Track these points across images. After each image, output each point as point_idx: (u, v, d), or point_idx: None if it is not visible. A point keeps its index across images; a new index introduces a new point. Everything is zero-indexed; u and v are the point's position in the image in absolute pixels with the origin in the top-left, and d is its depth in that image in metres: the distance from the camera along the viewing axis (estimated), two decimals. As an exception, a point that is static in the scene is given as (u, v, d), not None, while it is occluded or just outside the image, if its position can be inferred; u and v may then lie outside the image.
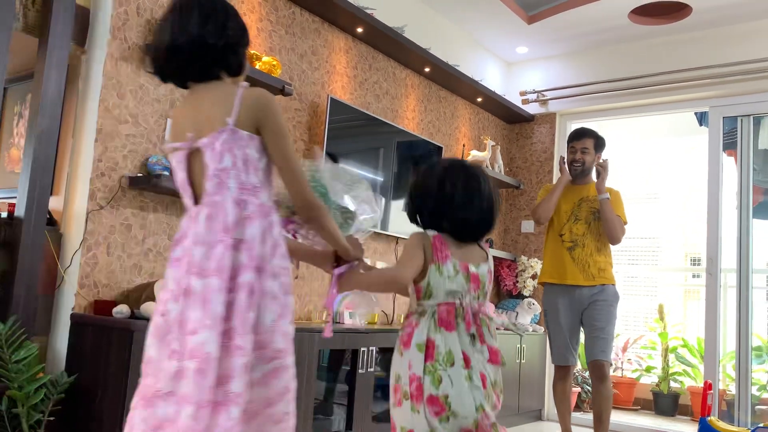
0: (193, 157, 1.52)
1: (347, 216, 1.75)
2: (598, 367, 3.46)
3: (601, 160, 3.65)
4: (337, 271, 1.72)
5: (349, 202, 1.75)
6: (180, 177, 1.54)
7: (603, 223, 3.49)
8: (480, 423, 1.61)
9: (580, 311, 3.54)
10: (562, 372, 3.58)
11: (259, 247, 1.47)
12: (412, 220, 1.81)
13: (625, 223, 3.59)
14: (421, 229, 1.80)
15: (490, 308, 1.75)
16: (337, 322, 3.76)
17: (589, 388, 5.47)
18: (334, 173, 1.76)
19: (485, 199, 1.74)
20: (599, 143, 3.68)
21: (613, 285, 3.59)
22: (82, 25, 2.84)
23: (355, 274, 1.73)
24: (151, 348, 1.49)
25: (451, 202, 1.71)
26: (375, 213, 1.81)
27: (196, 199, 1.52)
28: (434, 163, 1.81)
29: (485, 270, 1.76)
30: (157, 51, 1.55)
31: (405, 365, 1.67)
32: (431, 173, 1.77)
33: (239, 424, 1.38)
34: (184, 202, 1.56)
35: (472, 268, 1.73)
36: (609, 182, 3.60)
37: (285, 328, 1.51)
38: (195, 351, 1.38)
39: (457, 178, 1.72)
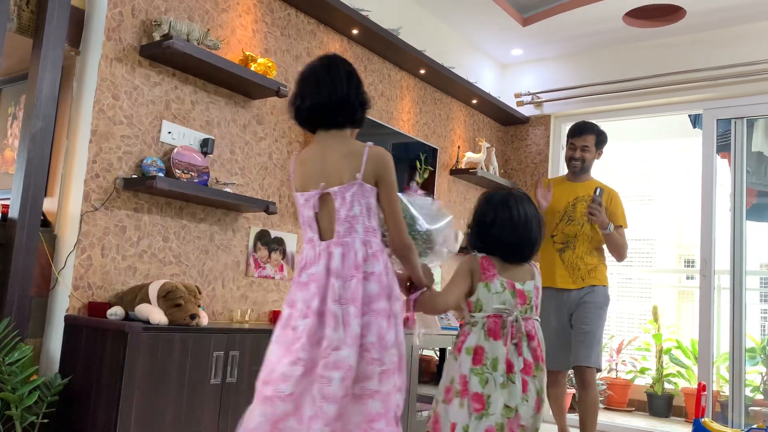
0: (324, 200, 1.80)
1: (428, 246, 2.01)
2: (580, 373, 3.34)
3: (595, 194, 3.31)
4: (411, 296, 1.99)
5: (432, 234, 2.01)
6: (308, 215, 1.83)
7: (609, 250, 3.42)
8: (508, 425, 1.82)
9: (569, 314, 3.44)
10: (553, 377, 3.43)
11: (385, 278, 1.78)
12: (471, 248, 2.03)
13: (626, 227, 3.48)
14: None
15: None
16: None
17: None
18: (422, 205, 2.05)
19: (530, 227, 1.97)
20: (601, 139, 3.54)
21: (605, 286, 3.47)
22: (77, 26, 2.83)
23: (422, 299, 1.98)
24: (273, 354, 1.80)
25: (498, 231, 1.96)
26: (452, 247, 2.07)
27: (321, 235, 1.82)
28: (485, 198, 2.06)
29: (531, 286, 1.98)
30: (303, 101, 1.84)
31: (457, 368, 1.91)
32: (480, 209, 2.03)
33: (385, 410, 1.73)
34: (306, 234, 1.87)
35: (518, 285, 1.95)
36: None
37: (401, 344, 1.82)
38: (339, 363, 1.69)
39: (503, 211, 1.97)
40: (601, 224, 3.33)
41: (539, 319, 2.01)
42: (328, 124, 1.85)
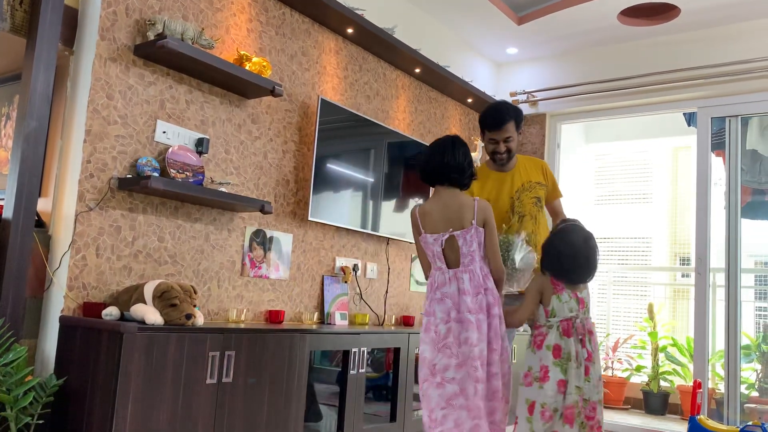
0: (449, 240, 2.47)
1: (513, 270, 2.72)
2: None
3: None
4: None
5: (519, 263, 2.73)
6: (437, 250, 2.48)
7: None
8: (580, 400, 2.44)
9: None
10: None
11: (495, 290, 2.47)
12: (543, 271, 2.60)
13: (562, 196, 3.23)
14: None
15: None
16: (328, 323, 3.75)
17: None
18: (516, 243, 2.76)
19: (590, 260, 2.53)
20: (519, 120, 3.01)
21: None
22: (70, 26, 2.83)
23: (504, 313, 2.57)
24: (426, 352, 2.45)
25: (567, 266, 2.52)
26: (529, 272, 2.76)
27: (448, 264, 2.48)
28: (558, 234, 2.59)
29: (587, 293, 2.57)
30: (431, 165, 2.52)
31: (537, 360, 2.48)
32: (552, 244, 2.57)
33: (501, 385, 2.44)
34: (435, 263, 2.52)
35: (579, 294, 2.53)
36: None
37: (506, 336, 2.50)
38: (480, 355, 2.37)
39: (571, 247, 2.52)
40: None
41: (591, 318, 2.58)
42: (445, 182, 2.51)
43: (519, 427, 2.44)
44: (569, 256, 2.50)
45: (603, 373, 5.96)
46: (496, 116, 2.97)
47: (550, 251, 2.55)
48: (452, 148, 2.51)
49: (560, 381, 2.42)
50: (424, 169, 2.55)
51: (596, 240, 2.58)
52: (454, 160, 2.49)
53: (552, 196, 3.20)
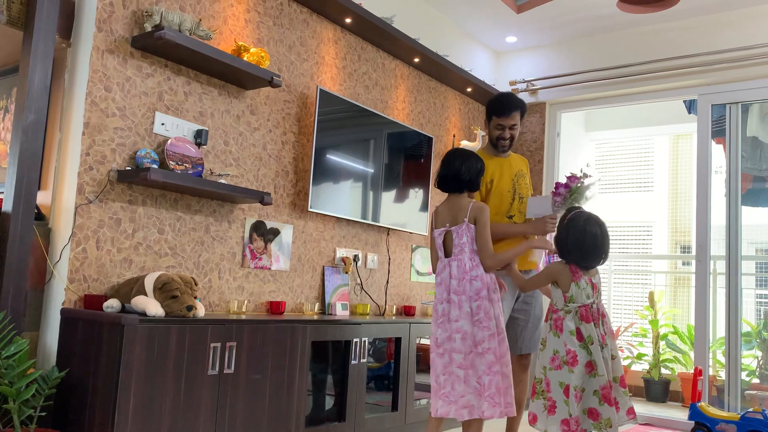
0: (447, 234, 2.84)
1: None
2: (525, 359, 3.26)
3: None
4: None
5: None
6: (438, 242, 2.86)
7: None
8: (609, 380, 2.56)
9: (517, 297, 3.23)
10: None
11: (486, 277, 2.76)
12: (560, 256, 2.78)
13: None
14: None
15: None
16: (329, 314, 3.76)
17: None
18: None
19: (602, 246, 2.68)
20: (524, 111, 3.24)
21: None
22: (67, 18, 2.81)
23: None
24: (432, 327, 2.82)
25: (586, 253, 2.68)
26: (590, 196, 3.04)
27: (447, 254, 2.83)
28: (571, 219, 2.73)
29: (598, 278, 2.73)
30: (446, 177, 2.88)
31: (561, 344, 2.62)
32: (565, 230, 2.74)
33: (495, 361, 2.68)
34: (439, 254, 2.87)
35: (593, 279, 2.69)
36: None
37: (499, 316, 2.75)
38: (459, 329, 2.71)
39: (583, 233, 2.67)
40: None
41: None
42: (456, 190, 2.88)
43: (558, 410, 2.56)
44: (587, 243, 2.65)
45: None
46: (506, 103, 3.20)
47: (569, 239, 2.68)
48: (461, 162, 2.87)
49: (588, 363, 2.57)
50: (439, 181, 2.93)
51: (605, 226, 2.75)
52: (467, 174, 2.87)
53: (526, 192, 3.36)
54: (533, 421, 2.65)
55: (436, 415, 2.73)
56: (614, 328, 6.21)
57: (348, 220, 4.02)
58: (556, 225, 2.94)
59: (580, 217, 2.71)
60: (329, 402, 3.46)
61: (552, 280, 2.73)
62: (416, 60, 4.49)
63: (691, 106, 5.27)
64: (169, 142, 2.95)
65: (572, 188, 2.98)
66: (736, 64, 4.58)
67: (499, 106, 3.18)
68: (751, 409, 3.75)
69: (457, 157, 2.89)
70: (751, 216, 5.06)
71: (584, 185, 2.97)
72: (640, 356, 6.02)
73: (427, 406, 3.80)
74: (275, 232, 3.55)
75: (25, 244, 2.57)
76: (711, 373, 4.92)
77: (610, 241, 2.72)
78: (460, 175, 2.85)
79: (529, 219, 3.21)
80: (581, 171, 3.01)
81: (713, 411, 3.87)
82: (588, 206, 3.01)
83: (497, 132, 3.21)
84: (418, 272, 4.64)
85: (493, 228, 2.92)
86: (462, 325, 2.71)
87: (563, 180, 3.06)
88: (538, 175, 5.39)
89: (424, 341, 3.96)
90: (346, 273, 3.98)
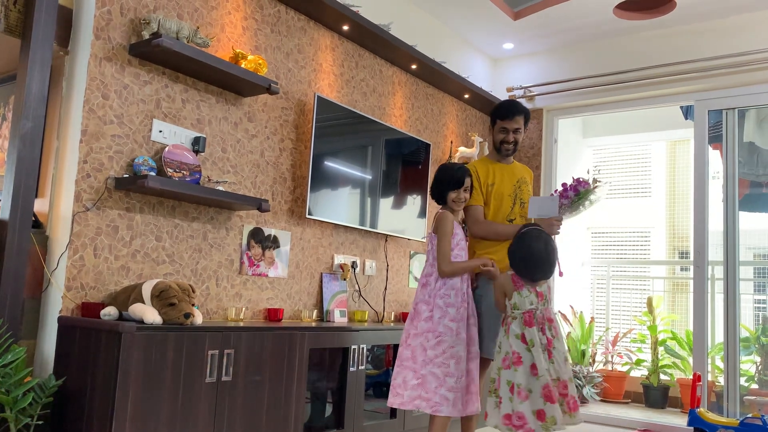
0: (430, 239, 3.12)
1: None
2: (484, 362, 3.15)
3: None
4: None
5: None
6: (428, 248, 3.09)
7: None
8: (550, 380, 2.69)
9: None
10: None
11: (435, 283, 3.03)
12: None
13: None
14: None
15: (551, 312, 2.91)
16: (327, 321, 3.75)
17: (580, 382, 5.50)
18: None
19: (545, 263, 2.81)
20: (527, 118, 3.33)
21: None
22: (65, 26, 2.82)
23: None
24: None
25: (529, 269, 2.82)
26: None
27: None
28: (517, 235, 2.87)
29: (545, 287, 2.87)
30: (433, 190, 3.14)
31: (510, 346, 2.77)
32: (513, 245, 2.87)
33: (407, 357, 3.00)
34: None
35: (538, 288, 2.84)
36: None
37: (447, 323, 2.96)
38: (406, 328, 3.07)
39: (528, 254, 2.81)
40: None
41: (552, 307, 2.90)
42: (435, 200, 3.15)
43: (503, 405, 2.72)
44: (530, 260, 2.81)
45: (603, 367, 6.00)
46: (511, 107, 3.29)
47: (514, 255, 2.85)
48: (435, 179, 3.14)
49: (532, 365, 2.71)
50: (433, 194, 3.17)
51: (553, 243, 2.87)
52: (433, 187, 3.13)
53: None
54: (485, 417, 2.81)
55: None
56: (612, 335, 6.22)
57: (346, 227, 4.02)
58: (561, 227, 3.08)
59: (529, 235, 2.84)
60: (327, 409, 3.45)
61: (503, 291, 2.89)
62: (413, 67, 4.50)
63: (687, 111, 5.28)
64: (166, 149, 2.95)
65: (581, 192, 3.01)
66: (732, 70, 4.59)
67: (503, 110, 3.28)
68: (750, 415, 3.74)
69: (439, 171, 3.15)
70: (748, 221, 5.06)
71: (593, 189, 3.02)
72: (638, 362, 6.01)
73: (425, 413, 3.79)
74: (273, 239, 3.54)
75: (23, 252, 2.56)
76: (710, 378, 4.91)
77: (557, 256, 2.85)
78: (433, 188, 3.13)
79: (529, 220, 3.20)
80: (589, 174, 3.06)
81: (712, 417, 3.86)
82: (588, 211, 3.07)
83: (501, 136, 3.27)
84: (416, 279, 4.63)
85: (488, 227, 3.14)
86: (408, 327, 3.03)
87: (568, 183, 3.09)
88: (535, 181, 5.39)
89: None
90: (344, 280, 3.97)
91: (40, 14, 2.63)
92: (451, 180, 3.05)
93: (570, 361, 2.86)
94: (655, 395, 5.71)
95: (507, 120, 3.25)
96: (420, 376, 2.93)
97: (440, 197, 3.10)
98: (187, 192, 2.88)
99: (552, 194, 3.14)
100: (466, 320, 3.01)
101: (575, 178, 3.06)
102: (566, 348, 2.85)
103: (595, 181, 3.02)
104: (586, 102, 5.26)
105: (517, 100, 5.40)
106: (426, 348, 2.94)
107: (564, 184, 3.06)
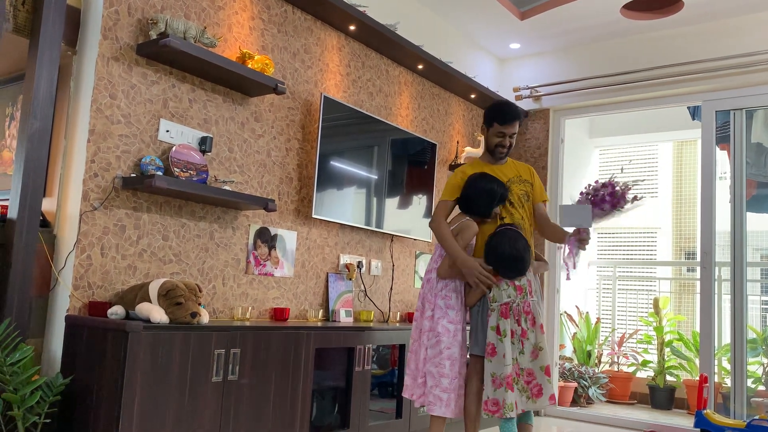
0: None
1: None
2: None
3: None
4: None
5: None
6: (436, 244, 3.14)
7: (548, 235, 3.30)
8: (514, 369, 2.88)
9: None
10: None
11: (434, 283, 3.11)
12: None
13: (547, 200, 3.39)
14: None
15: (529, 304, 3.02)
16: (332, 321, 3.76)
17: (585, 383, 5.49)
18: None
19: (515, 263, 2.94)
20: (521, 122, 3.39)
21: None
22: (73, 26, 2.83)
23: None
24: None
25: (503, 266, 2.97)
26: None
27: None
28: (491, 235, 3.01)
29: (524, 281, 2.98)
30: (472, 202, 3.11)
31: (486, 338, 2.94)
32: (488, 243, 3.01)
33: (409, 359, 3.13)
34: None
35: (516, 282, 2.97)
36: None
37: (445, 324, 3.01)
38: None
39: (502, 254, 2.95)
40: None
41: (535, 299, 3.02)
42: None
43: (484, 392, 2.91)
44: (503, 258, 2.94)
45: (609, 368, 5.99)
46: (510, 112, 3.18)
47: (489, 252, 2.98)
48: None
49: (503, 355, 2.88)
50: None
51: (526, 241, 2.99)
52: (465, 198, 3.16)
53: (539, 197, 3.28)
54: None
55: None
56: (618, 336, 6.20)
57: (352, 227, 4.03)
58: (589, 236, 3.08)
59: (501, 235, 2.98)
60: (333, 409, 3.46)
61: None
62: (420, 67, 4.50)
63: (695, 112, 5.26)
64: (173, 149, 2.96)
65: (620, 205, 3.08)
66: (740, 70, 4.57)
67: (503, 115, 3.16)
68: (757, 417, 3.73)
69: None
70: (756, 222, 5.04)
71: (632, 201, 3.08)
72: (645, 363, 6.00)
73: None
74: (279, 239, 3.55)
75: (30, 251, 2.57)
76: (716, 380, 4.90)
77: (530, 254, 3.00)
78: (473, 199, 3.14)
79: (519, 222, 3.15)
80: (626, 186, 3.10)
81: (719, 418, 3.85)
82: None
83: (497, 139, 3.16)
84: (421, 278, 4.63)
85: (440, 229, 3.10)
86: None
87: (591, 184, 3.15)
88: (542, 181, 5.38)
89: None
90: (350, 279, 3.97)
91: (49, 14, 2.64)
92: (502, 197, 3.09)
93: (546, 350, 2.96)
94: (661, 396, 5.69)
95: (506, 125, 3.14)
96: (422, 374, 3.02)
97: (484, 212, 3.06)
98: (194, 192, 2.89)
99: (579, 198, 3.14)
100: (464, 322, 3.07)
101: (608, 182, 3.09)
102: (544, 338, 2.95)
103: (635, 198, 3.06)
104: (593, 102, 5.25)
105: (521, 99, 5.44)
106: (426, 347, 3.03)
107: (595, 188, 3.10)
